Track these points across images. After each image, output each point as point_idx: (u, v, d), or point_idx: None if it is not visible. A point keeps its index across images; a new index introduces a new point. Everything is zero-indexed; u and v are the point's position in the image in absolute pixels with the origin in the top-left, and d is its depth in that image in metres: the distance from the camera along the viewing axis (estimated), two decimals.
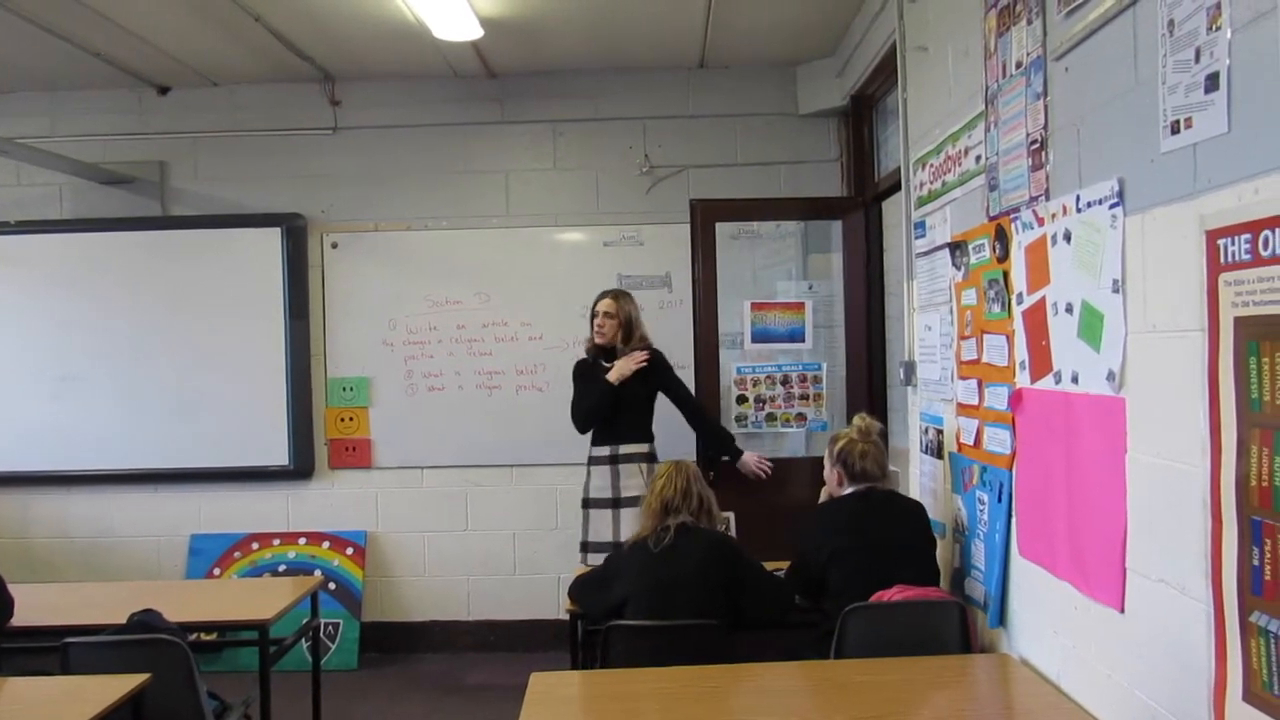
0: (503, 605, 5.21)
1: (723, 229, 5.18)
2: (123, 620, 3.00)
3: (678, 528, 2.97)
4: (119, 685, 2.53)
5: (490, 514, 5.21)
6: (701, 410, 4.53)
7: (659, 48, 4.88)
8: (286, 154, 5.26)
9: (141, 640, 2.89)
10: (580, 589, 3.20)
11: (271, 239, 5.16)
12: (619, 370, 4.21)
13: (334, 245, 5.24)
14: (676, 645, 2.78)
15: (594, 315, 4.33)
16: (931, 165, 3.35)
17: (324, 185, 5.25)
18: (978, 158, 2.87)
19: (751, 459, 4.47)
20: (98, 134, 5.24)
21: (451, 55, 4.81)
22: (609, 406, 4.21)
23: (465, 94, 5.21)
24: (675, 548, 2.95)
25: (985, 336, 2.81)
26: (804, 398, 5.11)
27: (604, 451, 4.27)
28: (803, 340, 5.12)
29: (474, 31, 4.28)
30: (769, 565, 3.20)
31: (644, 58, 5.03)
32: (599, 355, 4.33)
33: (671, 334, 5.09)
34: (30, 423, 5.20)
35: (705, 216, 5.14)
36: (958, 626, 2.75)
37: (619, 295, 4.36)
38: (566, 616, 3.31)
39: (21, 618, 3.40)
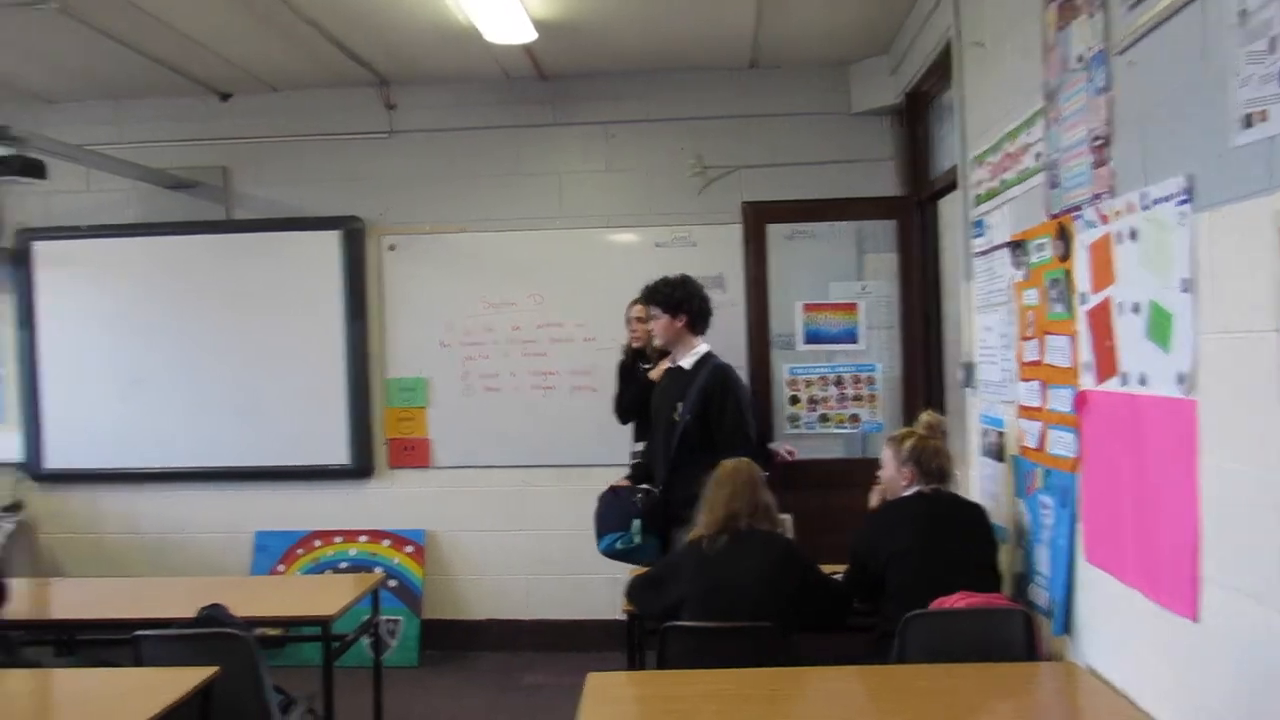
0: (559, 605, 5.25)
1: (776, 229, 5.17)
2: (191, 614, 3.08)
3: (735, 530, 2.96)
4: (189, 678, 2.60)
5: (546, 514, 5.25)
6: None
7: (710, 48, 4.88)
8: (344, 158, 5.35)
9: (209, 634, 2.96)
10: (636, 589, 3.20)
11: (330, 241, 5.26)
12: (660, 369, 4.34)
13: (391, 247, 5.31)
14: (733, 647, 2.77)
15: (628, 320, 4.51)
16: (989, 163, 3.30)
17: (381, 188, 5.33)
18: (1037, 155, 2.83)
19: (779, 447, 4.64)
20: (164, 140, 5.37)
21: (504, 58, 4.86)
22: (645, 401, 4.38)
23: (517, 96, 5.26)
24: (732, 550, 2.94)
25: (1047, 337, 2.76)
26: (857, 399, 5.09)
27: (641, 447, 4.47)
28: (855, 341, 5.10)
29: (528, 34, 4.32)
30: (827, 568, 3.19)
31: (695, 58, 5.03)
32: (635, 357, 4.49)
33: (724, 335, 5.07)
34: (102, 421, 5.36)
35: (757, 219, 5.14)
36: (1022, 634, 2.69)
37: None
38: (623, 616, 3.32)
39: (94, 610, 3.52)
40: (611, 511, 3.94)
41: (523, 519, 5.25)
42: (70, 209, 5.42)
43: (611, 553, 3.96)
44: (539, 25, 4.28)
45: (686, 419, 3.83)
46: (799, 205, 5.15)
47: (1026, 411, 2.95)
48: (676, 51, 4.93)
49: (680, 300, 3.94)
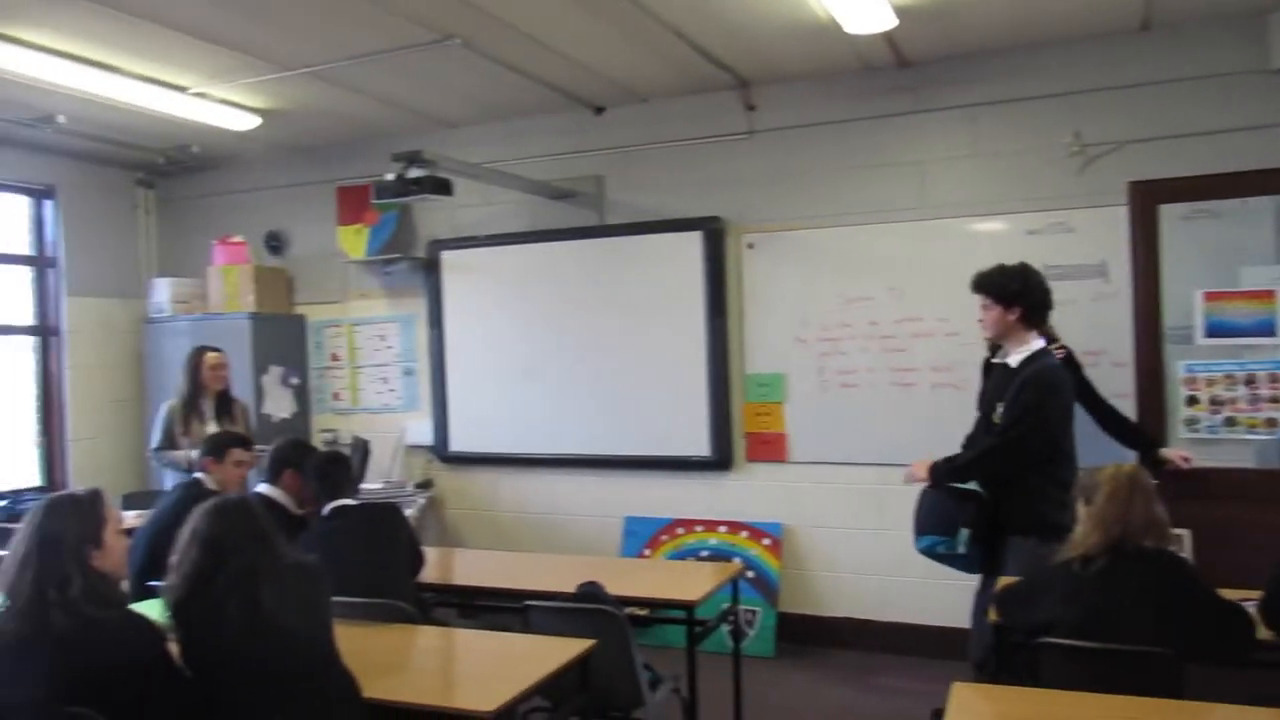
0: (918, 609, 5.08)
1: (1171, 209, 4.62)
2: (571, 589, 3.35)
3: (1118, 548, 2.68)
4: (571, 647, 2.83)
5: (905, 514, 5.01)
6: (1113, 408, 4.18)
7: (1092, 13, 4.45)
8: (706, 161, 5.53)
9: (587, 609, 3.20)
10: (1003, 602, 3.01)
11: (692, 242, 5.47)
12: None
13: (750, 245, 5.42)
14: (1115, 672, 2.52)
15: None
16: None
17: (740, 188, 5.45)
18: None
19: (1173, 453, 4.13)
20: (546, 154, 5.87)
21: (863, 48, 4.78)
22: None
23: (877, 86, 5.14)
24: (1113, 571, 2.65)
25: None
26: (1275, 400, 4.44)
27: None
28: (1274, 334, 4.44)
29: (888, 21, 4.21)
30: (1232, 594, 2.79)
31: (1074, 27, 4.62)
32: (994, 349, 4.16)
33: (1107, 328, 4.68)
34: (496, 411, 5.99)
35: (1146, 199, 4.63)
36: None
37: None
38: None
39: (490, 579, 3.95)
40: (940, 512, 3.73)
41: (880, 518, 5.13)
42: (470, 221, 6.10)
43: (930, 554, 3.77)
44: (900, 11, 4.16)
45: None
46: (1200, 181, 4.55)
47: None
48: (1052, 21, 4.56)
49: (1016, 292, 3.65)
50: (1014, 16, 4.46)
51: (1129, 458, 4.06)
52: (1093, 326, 4.67)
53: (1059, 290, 4.69)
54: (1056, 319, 4.41)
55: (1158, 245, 4.63)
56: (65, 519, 2.38)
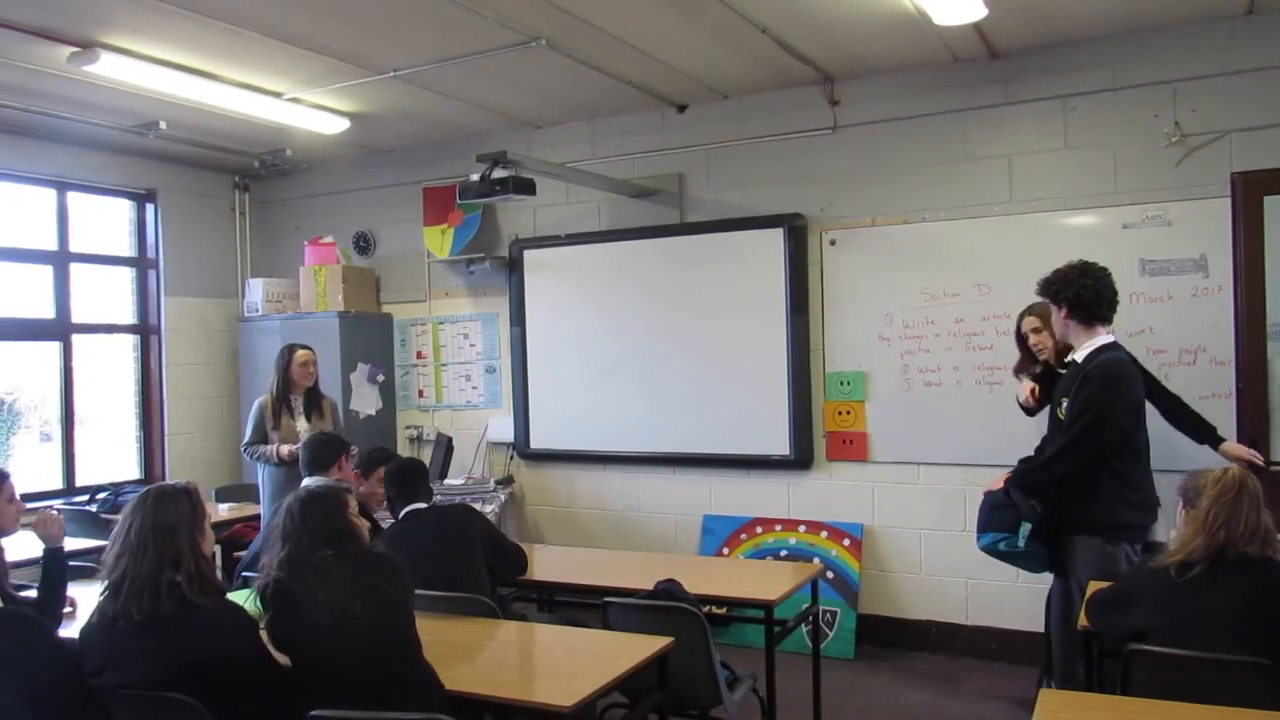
0: (1004, 613, 4.96)
1: (1276, 201, 4.42)
2: (649, 586, 3.36)
3: (1220, 555, 2.57)
4: (649, 645, 2.84)
5: None
6: (1178, 400, 4.02)
7: None
8: (788, 157, 5.48)
9: (666, 607, 3.21)
10: (1095, 608, 2.92)
11: (774, 239, 5.42)
12: None
13: (832, 242, 5.35)
14: (1210, 682, 2.42)
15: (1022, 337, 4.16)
16: None
17: (823, 184, 5.39)
18: None
19: (1239, 449, 3.92)
20: (628, 153, 5.89)
21: (952, 40, 4.68)
22: None
23: (965, 79, 5.02)
24: (1210, 580, 2.54)
25: None
26: None
27: None
28: None
29: (978, 12, 4.11)
30: None
31: (1175, 12, 4.45)
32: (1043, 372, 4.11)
33: (1206, 325, 4.50)
34: (575, 408, 6.03)
35: (1250, 190, 4.44)
36: None
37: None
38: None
39: (569, 575, 3.98)
40: (1003, 511, 3.67)
41: (964, 519, 5.00)
42: (552, 220, 6.16)
43: (993, 552, 3.72)
44: (990, 0, 4.06)
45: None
46: None
47: None
48: (1151, 6, 4.38)
49: (1058, 289, 3.60)
50: (1110, 2, 4.31)
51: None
52: (1191, 323, 4.51)
53: (1154, 286, 4.59)
54: (1153, 315, 4.28)
55: (1263, 239, 4.44)
56: (178, 507, 2.49)
